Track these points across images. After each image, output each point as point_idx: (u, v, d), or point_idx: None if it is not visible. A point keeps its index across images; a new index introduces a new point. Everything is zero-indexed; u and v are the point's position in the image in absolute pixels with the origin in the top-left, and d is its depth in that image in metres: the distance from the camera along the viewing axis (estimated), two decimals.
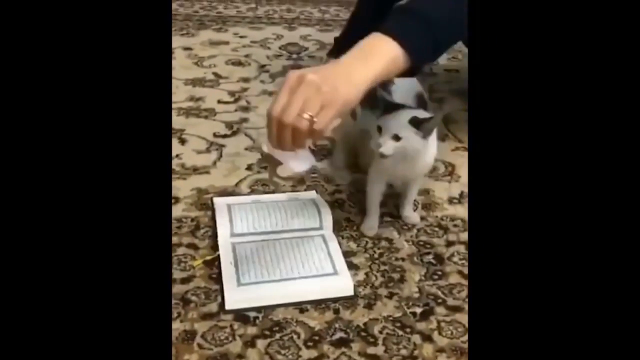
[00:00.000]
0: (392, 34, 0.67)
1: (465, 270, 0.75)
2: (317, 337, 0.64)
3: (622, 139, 0.41)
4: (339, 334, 0.65)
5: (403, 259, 0.77)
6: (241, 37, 1.51)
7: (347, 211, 0.86)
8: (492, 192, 0.43)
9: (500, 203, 0.43)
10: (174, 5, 1.72)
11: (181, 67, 1.31)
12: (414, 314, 0.69)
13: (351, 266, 0.75)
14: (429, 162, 0.80)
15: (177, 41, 1.45)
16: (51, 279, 0.40)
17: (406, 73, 0.73)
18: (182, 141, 1.02)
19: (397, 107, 0.75)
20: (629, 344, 0.39)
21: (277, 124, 0.62)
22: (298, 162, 0.67)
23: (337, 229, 0.81)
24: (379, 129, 0.73)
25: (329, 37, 1.45)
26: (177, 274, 0.72)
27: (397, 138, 0.72)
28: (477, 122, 0.45)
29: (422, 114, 0.74)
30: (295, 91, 0.61)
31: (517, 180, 0.42)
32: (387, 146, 0.72)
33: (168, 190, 0.50)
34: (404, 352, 0.63)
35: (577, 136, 0.42)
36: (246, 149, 1.01)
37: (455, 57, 1.40)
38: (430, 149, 0.77)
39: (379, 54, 0.67)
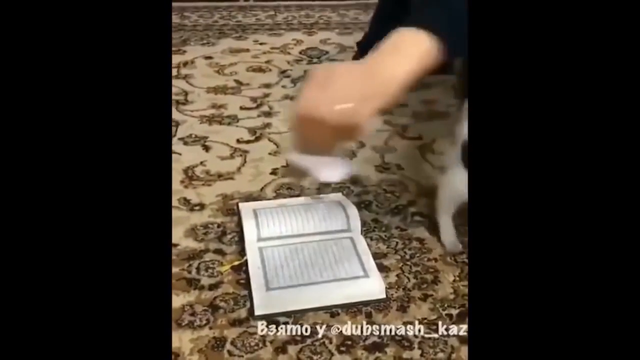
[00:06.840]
0: (421, 24, 0.59)
1: None
2: (349, 342, 0.62)
3: (622, 137, 0.40)
4: (373, 338, 0.63)
5: (436, 260, 0.75)
6: (261, 44, 1.51)
7: (375, 212, 0.84)
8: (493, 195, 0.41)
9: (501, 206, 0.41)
10: (194, 17, 1.74)
11: (202, 76, 1.31)
12: (450, 316, 0.66)
13: (382, 268, 0.73)
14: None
15: (198, 51, 1.46)
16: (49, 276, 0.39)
17: (438, 71, 0.62)
18: (207, 148, 1.01)
19: None
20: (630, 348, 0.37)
21: (305, 121, 0.55)
22: (329, 171, 0.57)
23: (365, 230, 0.79)
24: None
25: (349, 40, 1.44)
26: (205, 280, 0.71)
27: None
28: (477, 122, 0.43)
29: None
30: (326, 84, 0.54)
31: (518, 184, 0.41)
32: None
33: (168, 190, 0.49)
34: (441, 355, 0.61)
35: (576, 139, 0.40)
36: (270, 153, 1.00)
37: None
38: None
39: (411, 47, 0.59)
